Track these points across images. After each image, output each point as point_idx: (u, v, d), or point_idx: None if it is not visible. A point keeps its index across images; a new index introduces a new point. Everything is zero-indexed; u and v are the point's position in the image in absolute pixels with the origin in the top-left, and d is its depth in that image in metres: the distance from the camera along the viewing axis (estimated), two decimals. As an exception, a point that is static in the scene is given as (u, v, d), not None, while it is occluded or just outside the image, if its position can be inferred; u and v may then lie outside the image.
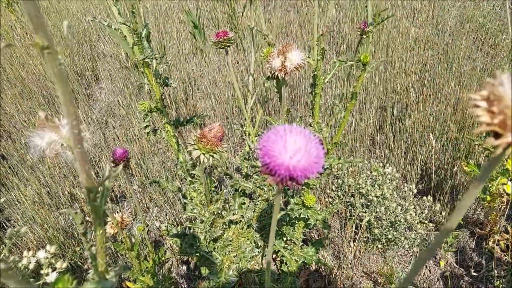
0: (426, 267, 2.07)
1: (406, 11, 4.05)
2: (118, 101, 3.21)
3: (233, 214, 1.41)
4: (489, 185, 1.86)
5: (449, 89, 2.77)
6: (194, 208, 1.40)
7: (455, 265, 2.07)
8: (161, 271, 2.17)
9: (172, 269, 2.02)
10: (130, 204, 2.54)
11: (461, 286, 1.98)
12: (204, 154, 1.04)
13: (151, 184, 1.55)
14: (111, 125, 3.05)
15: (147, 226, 2.33)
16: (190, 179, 1.37)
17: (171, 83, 1.35)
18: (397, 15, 3.84)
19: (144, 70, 1.24)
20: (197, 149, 1.05)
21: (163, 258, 2.19)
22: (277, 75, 1.14)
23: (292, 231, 1.64)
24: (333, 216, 2.29)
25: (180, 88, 3.24)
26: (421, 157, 2.38)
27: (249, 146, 1.49)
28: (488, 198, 1.86)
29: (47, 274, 1.04)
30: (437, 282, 2.02)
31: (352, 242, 2.13)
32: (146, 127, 1.36)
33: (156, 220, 2.40)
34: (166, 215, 2.41)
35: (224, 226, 1.40)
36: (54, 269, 1.05)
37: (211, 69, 3.58)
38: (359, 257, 2.11)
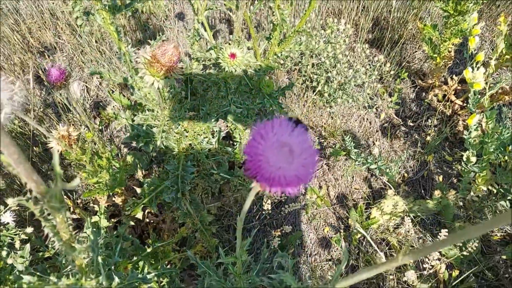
0: (366, 120, 2.19)
1: None
2: None
3: (188, 110, 1.33)
4: (441, 46, 1.85)
5: None
6: (141, 94, 1.28)
7: (394, 116, 2.20)
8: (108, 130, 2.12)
9: (119, 148, 1.98)
10: (61, 58, 2.29)
11: (397, 135, 2.15)
12: (158, 81, 0.91)
13: (92, 74, 1.37)
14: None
15: (86, 88, 2.17)
16: (137, 77, 1.21)
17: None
18: None
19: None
20: (149, 75, 0.91)
21: (111, 118, 2.12)
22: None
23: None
24: (282, 73, 2.23)
25: None
26: (375, 4, 2.25)
27: (203, 32, 1.30)
28: (438, 59, 1.87)
29: (-1, 210, 0.99)
30: (376, 134, 2.17)
31: (300, 98, 2.15)
32: (77, 18, 1.12)
33: (96, 78, 2.22)
34: (104, 68, 2.22)
35: (179, 121, 1.33)
36: (5, 206, 1.00)
37: None
38: (305, 112, 2.16)
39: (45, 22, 2.36)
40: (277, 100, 1.47)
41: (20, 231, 1.07)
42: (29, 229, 1.10)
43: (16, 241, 1.02)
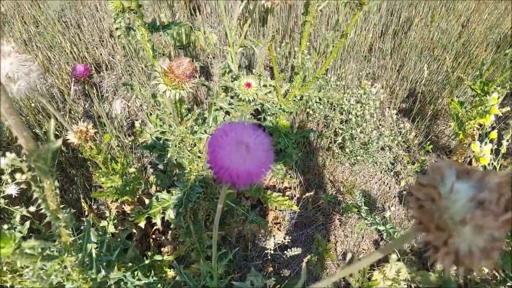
0: (386, 184, 2.19)
1: None
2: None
3: (205, 131, 1.43)
4: (466, 124, 1.87)
5: (464, 2, 2.57)
6: (163, 113, 1.40)
7: (413, 185, 2.19)
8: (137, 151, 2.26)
9: (144, 167, 2.10)
10: (111, 76, 2.51)
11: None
12: (170, 90, 1.02)
13: (124, 85, 1.52)
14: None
15: (128, 107, 2.35)
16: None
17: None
18: None
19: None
20: (163, 84, 1.02)
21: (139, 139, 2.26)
22: (264, 3, 1.06)
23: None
24: (312, 124, 2.32)
25: None
26: (413, 76, 2.33)
27: (230, 63, 1.43)
28: (461, 136, 1.88)
29: (7, 182, 1.09)
30: (393, 199, 2.16)
31: (323, 150, 2.21)
32: (117, 29, 1.28)
33: (138, 98, 2.41)
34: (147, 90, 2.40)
35: (195, 141, 1.43)
36: (13, 180, 1.10)
37: None
38: (327, 165, 2.20)
39: (102, 40, 2.63)
40: (292, 140, 1.55)
41: (24, 208, 1.16)
42: (32, 208, 1.18)
43: (17, 215, 1.10)
